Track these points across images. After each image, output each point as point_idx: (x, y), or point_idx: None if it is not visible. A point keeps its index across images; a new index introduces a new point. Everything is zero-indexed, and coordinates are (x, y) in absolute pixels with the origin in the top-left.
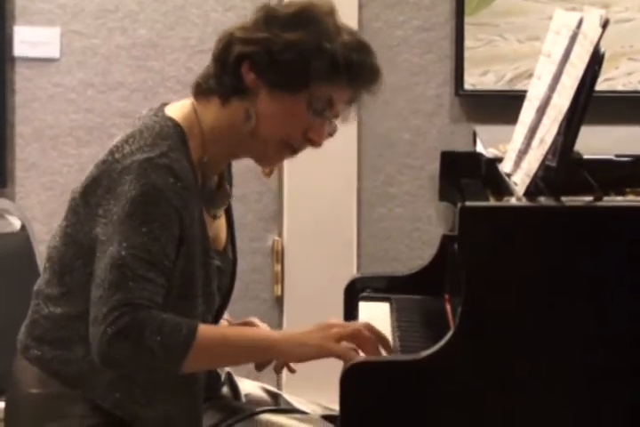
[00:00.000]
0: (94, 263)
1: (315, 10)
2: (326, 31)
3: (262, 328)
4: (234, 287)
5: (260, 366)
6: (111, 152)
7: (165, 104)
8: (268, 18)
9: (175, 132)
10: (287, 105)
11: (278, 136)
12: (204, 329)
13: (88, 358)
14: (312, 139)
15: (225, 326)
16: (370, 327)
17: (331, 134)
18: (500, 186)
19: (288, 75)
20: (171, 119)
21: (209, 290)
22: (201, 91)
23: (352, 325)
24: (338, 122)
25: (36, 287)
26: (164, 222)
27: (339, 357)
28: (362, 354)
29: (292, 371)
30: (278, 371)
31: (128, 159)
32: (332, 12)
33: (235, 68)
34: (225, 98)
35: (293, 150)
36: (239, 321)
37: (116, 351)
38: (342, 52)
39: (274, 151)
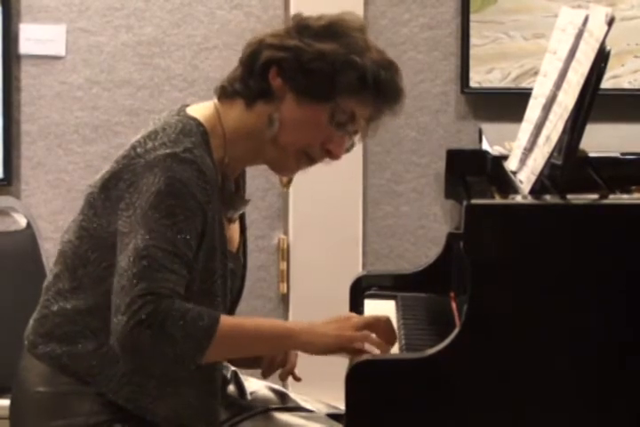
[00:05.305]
0: (115, 256)
1: (345, 24)
2: (356, 45)
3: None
4: (243, 291)
5: (266, 373)
6: (133, 147)
7: (186, 105)
8: (300, 27)
9: (198, 131)
10: (310, 114)
11: (298, 145)
12: (225, 319)
13: (99, 352)
14: (331, 151)
15: (243, 317)
16: (387, 321)
17: (348, 150)
18: (506, 184)
19: (315, 83)
20: (193, 118)
21: (224, 290)
22: (225, 93)
23: (370, 316)
24: (356, 139)
25: (45, 283)
26: (188, 215)
27: (357, 349)
28: (376, 351)
29: (297, 379)
30: (284, 378)
31: (152, 154)
32: (362, 28)
33: (262, 73)
34: (250, 101)
35: (311, 161)
36: None
37: (138, 340)
38: (371, 67)
39: (292, 160)
